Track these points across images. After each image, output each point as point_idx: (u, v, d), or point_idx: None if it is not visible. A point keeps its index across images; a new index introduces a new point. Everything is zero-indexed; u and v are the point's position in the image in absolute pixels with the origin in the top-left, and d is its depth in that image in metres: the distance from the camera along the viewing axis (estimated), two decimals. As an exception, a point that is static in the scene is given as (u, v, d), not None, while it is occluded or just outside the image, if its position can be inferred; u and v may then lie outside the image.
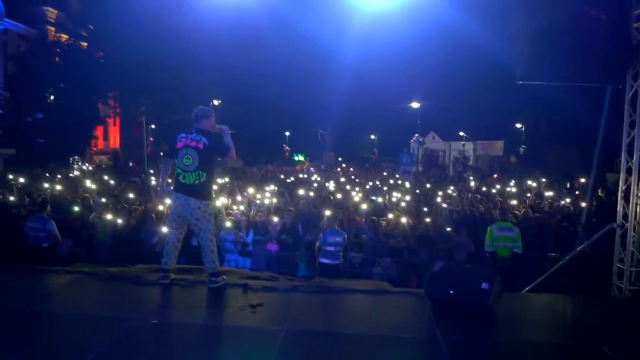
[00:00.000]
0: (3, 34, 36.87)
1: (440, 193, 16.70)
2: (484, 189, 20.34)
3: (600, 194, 12.38)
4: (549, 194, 15.17)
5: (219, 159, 5.63)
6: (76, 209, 10.98)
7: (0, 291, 5.08)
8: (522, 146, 41.62)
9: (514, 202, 14.55)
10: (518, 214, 11.28)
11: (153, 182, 16.24)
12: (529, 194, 16.04)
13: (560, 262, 7.45)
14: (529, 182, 19.47)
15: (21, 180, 15.87)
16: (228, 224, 9.70)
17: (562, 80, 7.31)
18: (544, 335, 4.45)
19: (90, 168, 27.93)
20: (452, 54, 38.19)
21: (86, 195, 12.45)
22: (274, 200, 13.37)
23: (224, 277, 5.38)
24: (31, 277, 5.62)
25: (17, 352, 3.60)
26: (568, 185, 17.35)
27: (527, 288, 7.44)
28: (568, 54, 6.28)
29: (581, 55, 6.27)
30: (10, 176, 17.02)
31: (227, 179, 19.16)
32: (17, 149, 23.00)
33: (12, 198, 12.07)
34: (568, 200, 13.74)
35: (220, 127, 5.40)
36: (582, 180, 15.34)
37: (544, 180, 19.01)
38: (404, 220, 10.52)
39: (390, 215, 11.08)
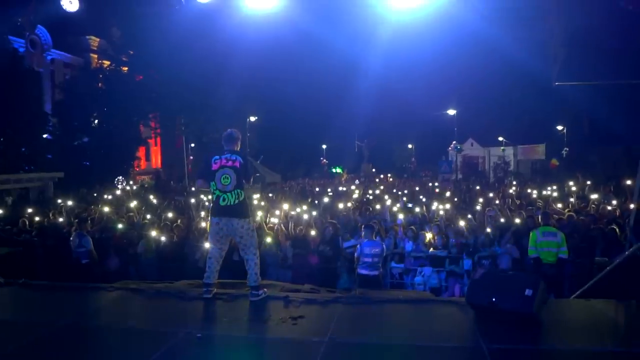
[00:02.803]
0: (50, 63, 38.74)
1: (481, 200, 16.40)
2: (529, 190, 19.88)
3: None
4: (593, 196, 14.66)
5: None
6: (120, 226, 11.34)
7: (53, 308, 5.34)
8: (565, 149, 40.44)
9: (559, 205, 14.14)
10: (563, 218, 10.96)
11: (192, 201, 16.60)
12: (572, 199, 15.54)
13: (609, 267, 7.17)
14: (571, 184, 18.89)
15: (69, 202, 16.51)
16: (268, 239, 9.82)
17: (601, 79, 7.11)
18: (593, 342, 4.29)
19: (134, 187, 28.78)
20: (485, 59, 37.68)
21: (131, 214, 12.84)
22: (314, 213, 13.43)
23: (265, 290, 5.46)
24: (83, 294, 5.86)
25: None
26: (612, 188, 16.67)
27: (574, 294, 7.19)
28: (606, 52, 6.13)
29: (620, 52, 6.11)
30: (59, 200, 17.74)
31: (265, 194, 19.38)
32: (65, 172, 23.95)
33: (61, 219, 12.58)
34: (615, 202, 13.24)
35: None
36: (628, 182, 14.74)
37: (588, 182, 18.40)
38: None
39: (429, 235, 10.69)
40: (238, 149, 5.45)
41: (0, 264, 7.29)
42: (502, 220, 11.77)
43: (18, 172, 23.07)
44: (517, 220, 11.38)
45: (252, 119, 42.57)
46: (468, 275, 8.86)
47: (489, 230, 10.39)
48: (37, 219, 13.01)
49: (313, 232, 10.43)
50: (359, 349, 4.15)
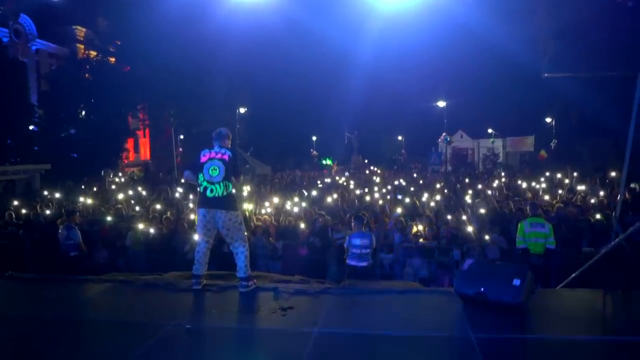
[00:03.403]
0: (35, 53, 38.17)
1: (470, 191, 16.51)
2: (518, 182, 20.05)
3: (633, 186, 12.04)
4: (581, 187, 14.82)
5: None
6: (109, 219, 11.27)
7: (41, 300, 5.30)
8: (553, 140, 40.72)
9: (547, 197, 14.28)
10: (550, 210, 11.07)
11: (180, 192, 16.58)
12: (560, 190, 15.70)
13: (595, 257, 7.26)
14: (559, 177, 19.07)
15: (57, 195, 16.36)
16: (257, 229, 9.82)
17: (589, 71, 7.15)
18: (579, 331, 4.34)
19: (123, 179, 28.58)
20: (475, 51, 37.77)
21: (119, 206, 12.75)
22: (304, 204, 13.47)
23: (254, 281, 5.45)
24: (71, 286, 5.83)
25: (60, 358, 3.74)
26: (598, 181, 16.87)
27: (561, 284, 7.28)
28: (594, 44, 6.16)
29: (608, 45, 6.14)
30: (46, 192, 17.58)
31: (255, 186, 19.36)
32: (52, 164, 23.70)
33: (48, 212, 12.47)
34: (602, 193, 13.40)
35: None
36: (613, 173, 14.91)
37: (575, 174, 18.57)
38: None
39: (418, 227, 10.66)
40: (228, 146, 5.45)
41: (-14, 257, 7.22)
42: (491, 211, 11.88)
43: (4, 164, 22.78)
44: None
45: (242, 110, 42.33)
46: (457, 266, 8.92)
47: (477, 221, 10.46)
48: (23, 211, 12.88)
49: (302, 224, 10.43)
50: (348, 339, 4.16)
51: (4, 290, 5.81)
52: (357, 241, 7.99)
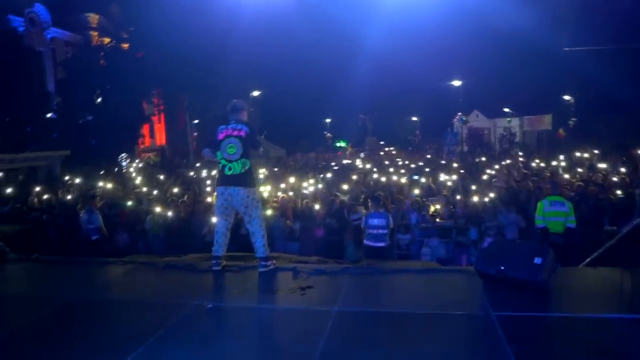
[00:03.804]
0: (50, 42, 38.38)
1: (487, 171, 16.37)
2: (536, 161, 19.80)
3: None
4: (601, 166, 14.59)
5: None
6: (129, 203, 11.42)
7: (66, 282, 5.41)
8: (572, 118, 39.95)
9: (566, 176, 14.10)
10: (569, 188, 10.93)
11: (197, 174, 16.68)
12: (580, 169, 15.46)
13: (618, 236, 7.16)
14: (578, 155, 18.76)
15: (77, 180, 16.59)
16: (274, 211, 9.86)
17: (610, 45, 6.98)
18: (601, 309, 4.28)
19: (140, 165, 28.85)
20: (491, 28, 37.00)
21: (137, 190, 12.91)
22: (320, 186, 13.50)
23: (274, 261, 5.49)
24: (94, 268, 5.93)
25: (85, 337, 3.81)
26: (621, 158, 16.55)
27: (583, 263, 7.20)
28: (614, 17, 6.00)
29: (628, 17, 5.98)
30: (67, 177, 17.85)
31: (270, 169, 19.42)
32: (72, 150, 23.98)
33: (69, 197, 12.67)
34: (623, 170, 13.17)
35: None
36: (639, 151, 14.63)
37: (596, 151, 18.26)
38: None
39: (436, 206, 10.63)
40: (245, 119, 5.43)
41: (12, 241, 7.36)
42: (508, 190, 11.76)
43: (25, 152, 23.10)
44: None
45: (255, 93, 42.24)
46: (475, 245, 8.89)
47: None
48: (46, 197, 13.11)
49: (318, 206, 10.46)
50: (367, 317, 4.17)
51: (31, 272, 5.95)
52: (374, 221, 8.00)
